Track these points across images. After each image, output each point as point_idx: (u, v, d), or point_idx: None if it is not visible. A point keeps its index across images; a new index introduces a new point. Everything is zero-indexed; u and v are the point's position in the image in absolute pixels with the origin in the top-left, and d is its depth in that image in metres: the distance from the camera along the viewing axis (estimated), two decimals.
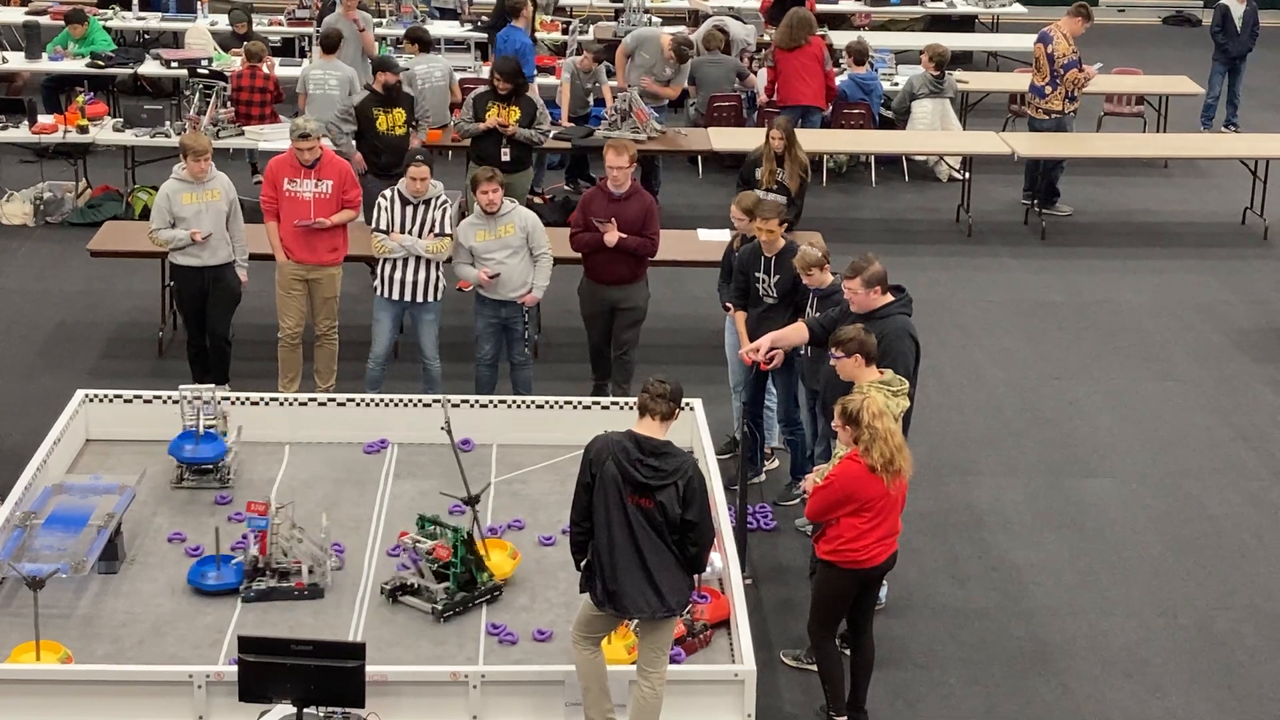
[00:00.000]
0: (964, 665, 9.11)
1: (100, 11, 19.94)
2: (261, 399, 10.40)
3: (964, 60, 21.25)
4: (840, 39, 19.32)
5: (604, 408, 10.39)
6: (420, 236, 11.25)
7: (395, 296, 11.33)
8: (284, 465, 10.05)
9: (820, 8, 21.25)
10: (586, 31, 19.67)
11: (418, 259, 11.25)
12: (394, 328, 11.51)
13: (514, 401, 10.63)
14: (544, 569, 8.99)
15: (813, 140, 16.30)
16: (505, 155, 13.84)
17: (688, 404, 9.91)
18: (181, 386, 9.96)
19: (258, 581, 8.57)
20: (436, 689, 7.72)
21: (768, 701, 8.41)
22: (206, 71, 16.81)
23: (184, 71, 17.18)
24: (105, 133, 15.85)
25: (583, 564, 7.70)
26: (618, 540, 7.48)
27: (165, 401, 10.17)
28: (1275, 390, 12.75)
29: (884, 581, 8.83)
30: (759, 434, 10.75)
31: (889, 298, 9.20)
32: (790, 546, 10.21)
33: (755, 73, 17.66)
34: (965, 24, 23.29)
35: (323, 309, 11.71)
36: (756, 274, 10.48)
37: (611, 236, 11.20)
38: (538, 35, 19.27)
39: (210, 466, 9.69)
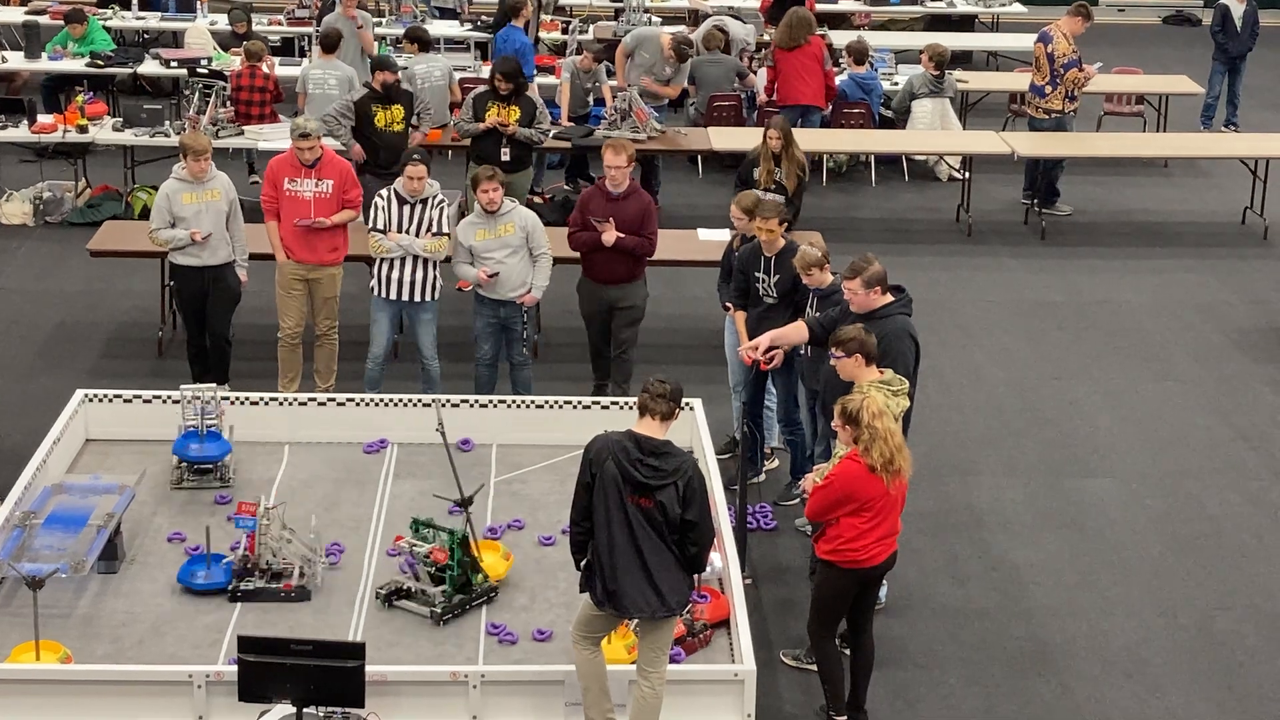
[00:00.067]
0: (964, 665, 9.11)
1: (100, 11, 19.94)
2: (261, 399, 10.40)
3: (964, 60, 21.24)
4: (840, 38, 19.32)
5: (604, 408, 10.39)
6: (417, 236, 11.25)
7: (393, 296, 11.32)
8: (284, 465, 10.05)
9: (820, 7, 21.26)
10: (586, 31, 19.67)
11: (415, 258, 11.25)
12: (392, 327, 11.51)
13: (514, 401, 10.63)
14: (544, 569, 8.99)
15: (813, 140, 16.30)
16: (505, 155, 13.84)
17: (687, 404, 9.91)
18: (182, 386, 9.97)
19: (246, 582, 8.57)
20: (436, 689, 7.72)
21: (767, 701, 8.41)
22: (206, 71, 16.80)
23: (183, 71, 17.18)
24: (105, 132, 15.85)
25: (582, 564, 7.69)
26: (618, 540, 7.48)
27: (165, 401, 10.17)
28: (1275, 390, 12.75)
29: (884, 581, 8.83)
30: (759, 434, 10.75)
31: (889, 298, 9.19)
32: (790, 546, 10.21)
33: (755, 72, 17.66)
34: (965, 24, 23.28)
35: (323, 309, 11.71)
36: (756, 274, 10.48)
37: (609, 236, 11.20)
38: (539, 35, 19.29)
39: (211, 466, 9.69)
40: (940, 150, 17.57)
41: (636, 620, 7.65)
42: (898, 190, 17.60)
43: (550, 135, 14.72)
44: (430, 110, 14.63)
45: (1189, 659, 9.22)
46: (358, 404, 10.46)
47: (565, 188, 16.43)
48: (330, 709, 7.09)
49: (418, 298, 11.33)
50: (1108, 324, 14.00)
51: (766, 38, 18.66)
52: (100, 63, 17.79)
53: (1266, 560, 10.30)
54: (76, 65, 17.88)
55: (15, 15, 20.24)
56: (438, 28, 19.69)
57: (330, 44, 15.75)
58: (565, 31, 19.44)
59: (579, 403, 10.49)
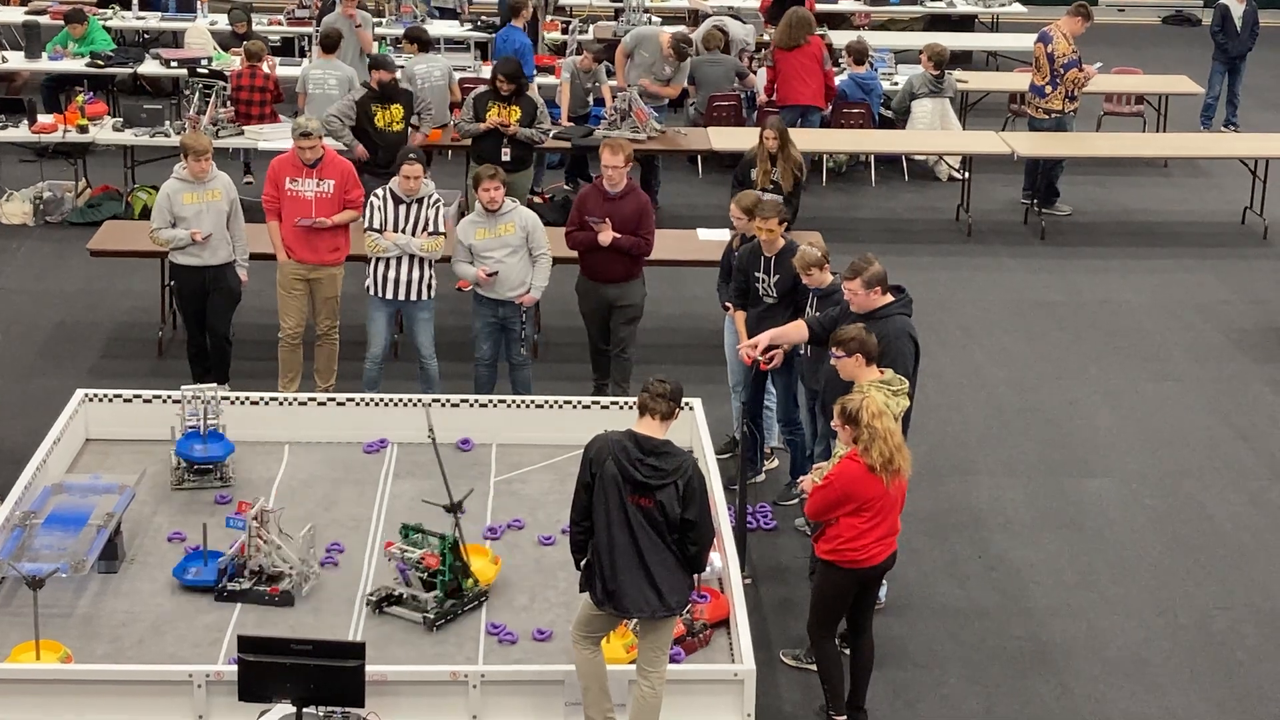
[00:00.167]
0: (964, 665, 9.11)
1: (100, 11, 19.93)
2: (261, 399, 10.40)
3: (964, 60, 21.24)
4: (840, 38, 19.31)
5: (604, 407, 10.40)
6: (414, 235, 11.25)
7: (389, 295, 11.33)
8: (283, 465, 10.05)
9: (820, 7, 21.25)
10: (586, 31, 19.68)
11: (411, 257, 11.25)
12: (389, 327, 11.51)
13: (513, 401, 10.63)
14: (544, 569, 8.99)
15: (812, 140, 16.31)
16: (506, 155, 13.85)
17: (687, 404, 9.91)
18: (183, 386, 9.97)
19: (234, 582, 8.57)
20: (436, 689, 7.72)
21: (767, 701, 8.41)
22: (206, 71, 16.80)
23: (184, 71, 17.17)
24: (105, 132, 15.84)
25: (582, 563, 7.70)
26: (617, 540, 7.48)
27: (165, 401, 10.17)
28: (1275, 390, 12.75)
29: (884, 581, 8.83)
30: (758, 434, 10.75)
31: (889, 298, 9.20)
32: (790, 546, 10.21)
33: (755, 72, 17.66)
34: (965, 24, 23.28)
35: (324, 309, 11.71)
36: (756, 274, 10.48)
37: (605, 236, 11.21)
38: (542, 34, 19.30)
39: (211, 466, 9.70)
40: (940, 150, 17.57)
41: (636, 620, 7.65)
42: (898, 190, 17.60)
43: (550, 135, 14.72)
44: (431, 110, 14.63)
45: (1188, 659, 9.23)
46: (357, 404, 10.47)
47: (565, 188, 16.43)
48: (330, 709, 7.09)
49: (414, 297, 11.34)
50: (1107, 324, 14.00)
51: (766, 38, 18.65)
52: (100, 63, 17.79)
53: (1266, 560, 10.30)
54: (76, 65, 17.88)
55: (15, 15, 20.24)
56: (438, 28, 19.69)
57: (330, 44, 15.76)
58: (565, 31, 19.44)
59: (579, 402, 10.49)
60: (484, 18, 20.37)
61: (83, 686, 7.67)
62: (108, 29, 19.07)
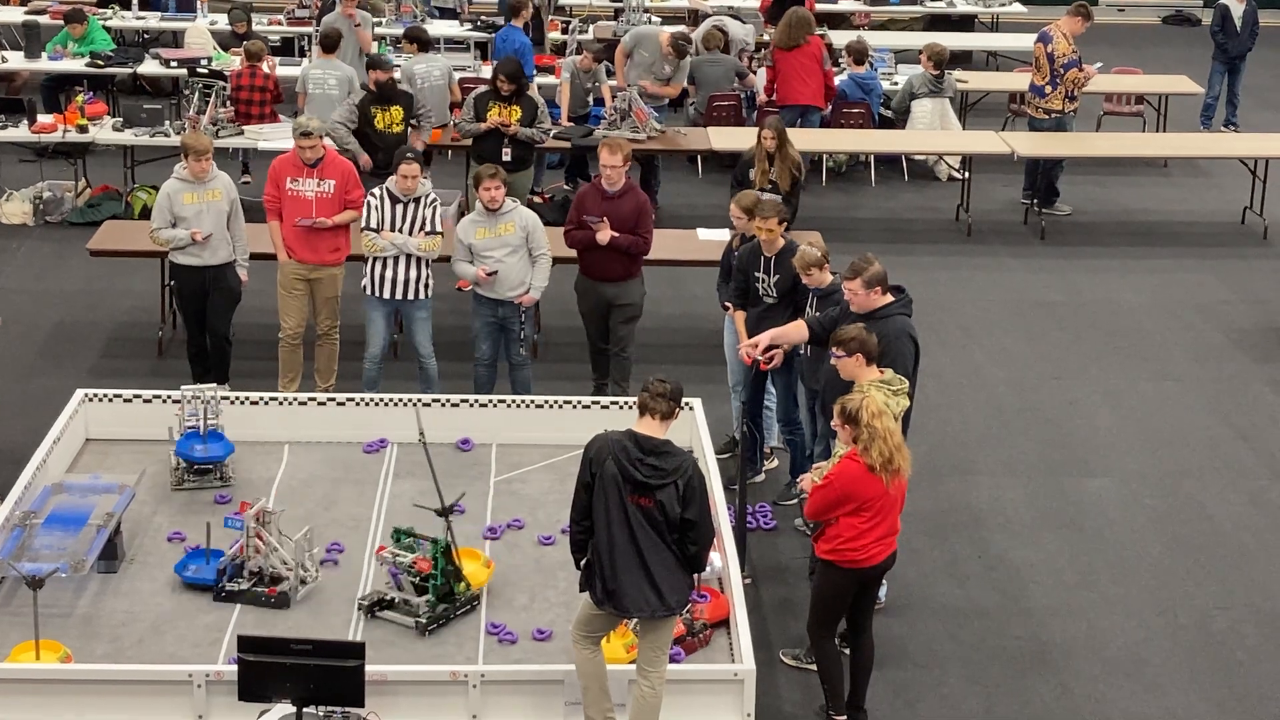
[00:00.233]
0: (964, 665, 9.11)
1: (100, 11, 19.93)
2: (261, 399, 10.40)
3: (963, 60, 21.24)
4: (840, 38, 19.31)
5: (604, 407, 10.40)
6: (411, 234, 11.25)
7: (386, 295, 11.33)
8: (283, 465, 10.05)
9: (820, 7, 21.26)
10: (586, 31, 19.68)
11: (408, 257, 11.25)
12: (388, 326, 11.51)
13: (513, 401, 10.64)
14: (543, 569, 8.99)
15: (812, 140, 16.32)
16: (506, 155, 13.86)
17: (687, 403, 9.91)
18: (182, 386, 9.97)
19: (233, 582, 8.57)
20: (436, 688, 7.72)
21: (767, 701, 8.41)
22: (206, 71, 16.80)
23: (183, 71, 17.17)
24: (105, 132, 15.84)
25: (582, 563, 7.70)
26: (617, 539, 7.48)
27: (165, 401, 10.17)
28: (1275, 390, 12.75)
29: (884, 581, 8.83)
30: (758, 433, 10.75)
31: (889, 298, 9.20)
32: (790, 546, 10.21)
33: (754, 72, 17.66)
34: (965, 23, 23.29)
35: (324, 309, 11.71)
36: (756, 273, 10.48)
37: (604, 235, 11.21)
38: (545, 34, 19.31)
39: (211, 466, 9.70)
40: (940, 150, 17.57)
41: (636, 620, 7.65)
42: (897, 190, 17.60)
43: (550, 135, 14.73)
44: (431, 115, 14.58)
45: (1188, 659, 9.23)
46: (357, 404, 10.47)
47: (565, 188, 16.44)
48: (330, 708, 7.08)
49: (411, 296, 11.34)
50: (1107, 324, 14.00)
51: (766, 38, 18.66)
52: (100, 63, 17.79)
53: (1266, 560, 10.30)
54: (76, 65, 17.88)
55: (15, 15, 20.23)
56: (437, 28, 19.69)
57: (330, 44, 15.76)
58: (565, 31, 19.44)
59: (578, 402, 10.49)
60: (484, 18, 20.37)
61: (83, 686, 7.67)
62: (107, 29, 19.07)
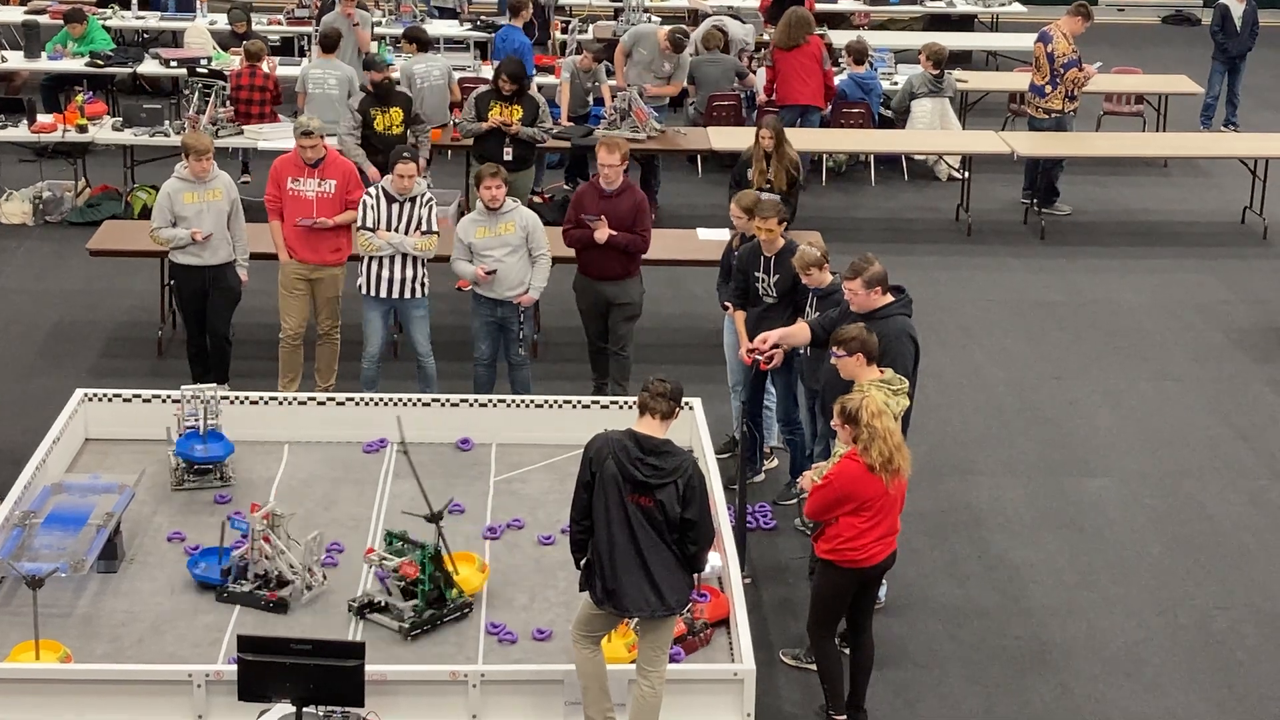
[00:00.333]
0: (964, 665, 9.10)
1: (99, 10, 19.92)
2: (261, 399, 10.40)
3: (963, 59, 21.24)
4: (839, 38, 19.31)
5: (603, 407, 10.40)
6: (407, 234, 11.24)
7: (383, 294, 11.32)
8: (283, 465, 10.05)
9: (819, 7, 21.26)
10: (586, 31, 19.67)
11: (404, 256, 11.24)
12: (385, 325, 11.51)
13: (513, 401, 10.64)
14: (543, 568, 8.99)
15: (812, 140, 16.32)
16: (508, 154, 13.85)
17: (687, 403, 9.91)
18: (183, 386, 9.97)
19: (238, 584, 8.56)
20: (436, 688, 7.72)
21: (767, 701, 8.41)
22: (206, 71, 16.80)
23: (183, 71, 17.17)
24: (104, 132, 15.84)
25: (582, 563, 7.69)
26: (617, 539, 7.48)
27: (165, 401, 10.17)
28: (1275, 390, 12.75)
29: (884, 581, 8.83)
30: (758, 433, 10.74)
31: (889, 298, 9.20)
32: (789, 546, 10.21)
33: (754, 72, 17.66)
34: (964, 23, 23.28)
35: (325, 309, 11.71)
36: (756, 273, 10.48)
37: (602, 234, 11.21)
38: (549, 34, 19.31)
39: (211, 466, 9.70)
40: (940, 150, 17.56)
41: (636, 619, 7.65)
42: (897, 190, 17.60)
43: (551, 134, 14.73)
44: (426, 131, 14.43)
45: (1188, 659, 9.22)
46: (357, 403, 10.47)
47: (565, 187, 16.43)
48: (330, 708, 7.08)
49: (408, 295, 11.33)
50: (1107, 324, 14.00)
51: (766, 37, 18.65)
52: (100, 62, 17.79)
53: (1266, 560, 10.30)
54: (76, 65, 17.88)
55: (15, 15, 20.22)
56: (437, 27, 19.69)
57: (330, 44, 15.76)
58: (565, 31, 19.43)
59: (578, 402, 10.49)
60: (484, 17, 20.37)
61: (82, 686, 7.67)
62: (107, 29, 19.07)
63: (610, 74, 16.80)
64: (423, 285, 11.37)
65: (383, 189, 11.29)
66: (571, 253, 11.59)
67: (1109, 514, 10.80)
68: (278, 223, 11.60)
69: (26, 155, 16.85)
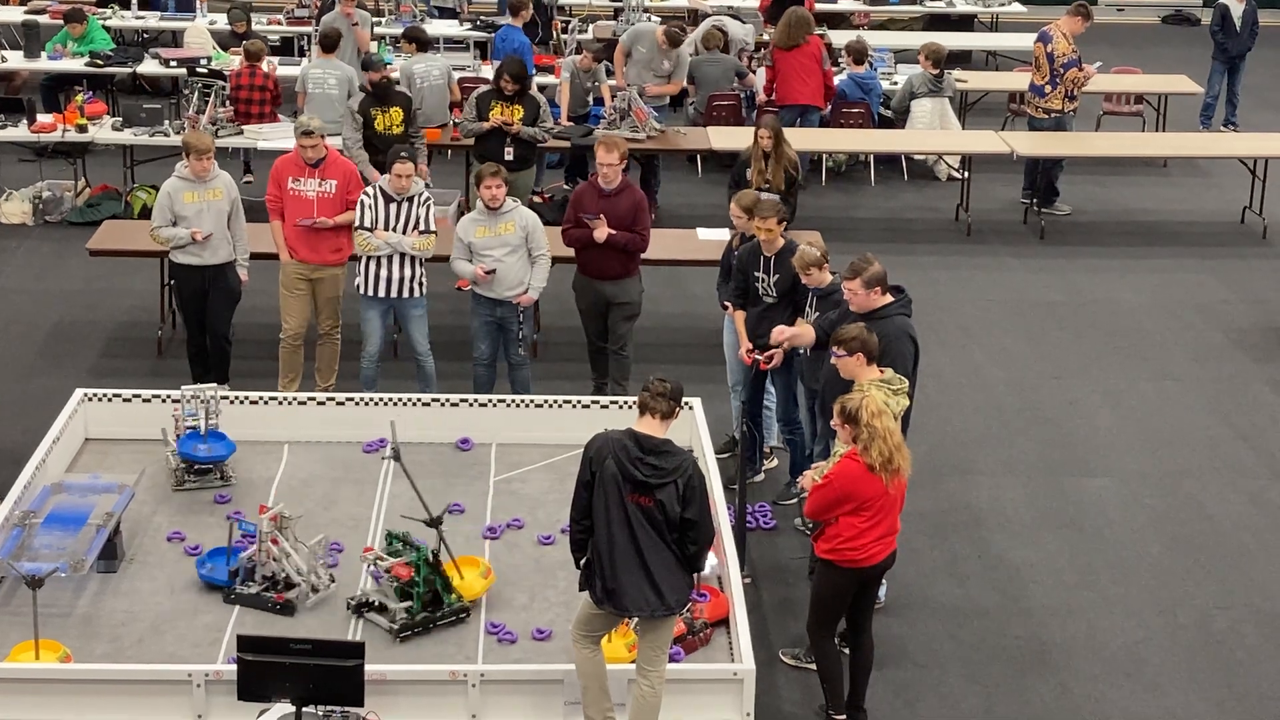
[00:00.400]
0: (963, 665, 9.10)
1: (99, 10, 19.93)
2: (261, 399, 10.40)
3: (963, 59, 21.24)
4: (839, 38, 19.31)
5: (603, 407, 10.40)
6: (405, 233, 11.24)
7: (381, 294, 11.32)
8: (283, 464, 10.05)
9: (819, 7, 21.26)
10: (586, 31, 19.67)
11: (402, 255, 11.24)
12: (383, 325, 11.50)
13: (513, 401, 10.63)
14: (543, 568, 8.99)
15: (812, 140, 16.32)
16: (509, 154, 13.85)
17: (687, 403, 9.91)
18: (183, 386, 9.97)
19: (245, 585, 8.56)
20: (435, 688, 7.72)
21: (767, 700, 8.41)
22: (205, 71, 16.80)
23: (183, 71, 17.17)
24: (104, 132, 15.84)
25: (582, 562, 7.69)
26: (617, 538, 7.48)
27: (165, 401, 10.17)
28: (1275, 390, 12.75)
29: (883, 581, 8.83)
30: (758, 433, 10.75)
31: (889, 298, 9.20)
32: (789, 545, 10.21)
33: (754, 72, 17.66)
34: (964, 23, 23.29)
35: (326, 309, 11.71)
36: (756, 273, 10.48)
37: (601, 233, 11.22)
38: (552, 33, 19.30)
39: (211, 466, 9.70)
40: (940, 150, 17.56)
41: (636, 619, 7.65)
42: (897, 190, 17.60)
43: (552, 134, 14.73)
44: (423, 139, 14.41)
45: (1188, 658, 9.22)
46: (357, 403, 10.47)
47: (565, 187, 16.43)
48: (330, 708, 7.08)
49: (406, 294, 11.33)
50: (1107, 324, 14.00)
51: (766, 37, 18.66)
52: (100, 62, 17.79)
53: (1266, 560, 10.30)
54: (76, 65, 17.89)
55: (15, 15, 20.21)
56: (437, 27, 19.70)
57: (330, 43, 15.75)
58: (565, 31, 19.43)
59: (578, 402, 10.49)
60: (483, 17, 20.37)
61: (82, 686, 7.67)
62: (107, 28, 19.07)
63: (610, 74, 16.80)
64: (421, 285, 11.37)
65: (380, 188, 11.28)
66: (571, 252, 11.59)
67: (1109, 514, 10.80)
68: (278, 223, 11.60)
69: (26, 155, 16.86)
